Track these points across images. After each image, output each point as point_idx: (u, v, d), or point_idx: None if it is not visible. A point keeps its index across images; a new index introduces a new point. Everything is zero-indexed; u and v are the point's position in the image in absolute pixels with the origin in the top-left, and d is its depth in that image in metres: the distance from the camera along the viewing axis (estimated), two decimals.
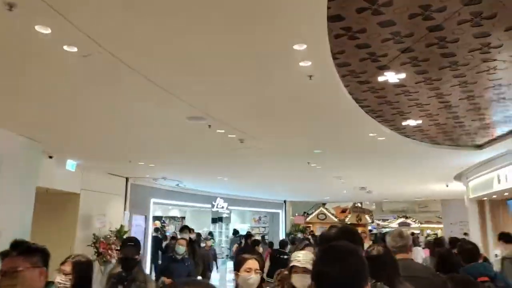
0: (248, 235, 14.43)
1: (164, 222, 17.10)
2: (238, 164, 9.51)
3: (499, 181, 8.49)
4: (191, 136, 6.47)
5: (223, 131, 5.97)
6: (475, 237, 10.80)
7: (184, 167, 10.22)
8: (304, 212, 25.91)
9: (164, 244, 13.23)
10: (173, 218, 23.00)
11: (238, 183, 13.91)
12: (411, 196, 19.49)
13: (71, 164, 8.42)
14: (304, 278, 2.69)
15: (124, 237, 9.82)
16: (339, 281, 1.47)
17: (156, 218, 20.10)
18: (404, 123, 5.84)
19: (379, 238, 15.29)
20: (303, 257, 2.82)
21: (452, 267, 3.91)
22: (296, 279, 2.80)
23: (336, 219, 26.10)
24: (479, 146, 7.41)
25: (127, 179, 11.52)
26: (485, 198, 10.47)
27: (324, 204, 25.99)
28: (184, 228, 9.19)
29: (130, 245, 3.75)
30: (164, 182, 12.66)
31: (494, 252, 9.98)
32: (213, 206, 16.84)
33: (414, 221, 27.16)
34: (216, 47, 3.21)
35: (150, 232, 13.03)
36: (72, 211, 9.21)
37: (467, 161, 8.51)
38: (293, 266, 2.84)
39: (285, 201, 21.46)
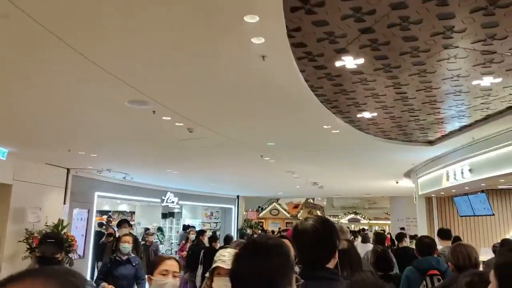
0: (201, 231, 13.98)
1: (110, 217, 16.26)
2: (187, 156, 9.06)
3: (447, 178, 8.60)
4: (135, 124, 5.96)
5: (169, 118, 5.52)
6: (422, 232, 11.00)
7: (130, 159, 9.62)
8: (259, 207, 25.81)
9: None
10: (121, 212, 22.12)
11: (189, 177, 13.43)
12: (361, 193, 19.78)
13: (0, 152, 7.62)
14: (228, 283, 2.19)
15: (63, 232, 9.12)
16: (255, 282, 1.25)
17: (103, 212, 19.27)
18: (359, 115, 5.66)
19: None
20: (229, 257, 2.27)
21: (387, 265, 4.17)
22: (217, 283, 2.27)
23: (288, 215, 26.29)
24: (431, 142, 7.42)
25: (68, 170, 10.72)
26: (433, 195, 10.66)
27: (277, 200, 26.04)
28: (123, 222, 8.46)
29: (49, 242, 3.22)
30: (110, 175, 11.94)
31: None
32: (163, 200, 16.23)
33: (363, 217, 27.83)
34: (159, 20, 2.79)
35: (93, 227, 12.26)
36: (3, 204, 8.39)
37: (418, 157, 8.56)
38: (216, 267, 2.33)
39: (238, 196, 21.15)
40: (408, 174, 11.65)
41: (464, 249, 3.11)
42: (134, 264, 5.32)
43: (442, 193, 9.72)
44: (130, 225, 7.92)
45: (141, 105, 4.98)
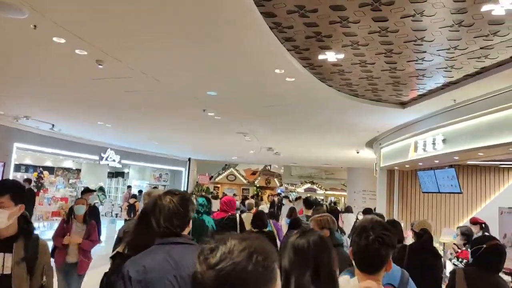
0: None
1: (41, 173, 14.45)
2: (116, 106, 7.50)
3: (415, 149, 7.55)
4: (37, 55, 4.40)
5: (62, 41, 3.99)
6: (381, 207, 10.09)
7: (49, 105, 7.94)
8: (218, 173, 24.56)
9: None
10: (67, 170, 20.40)
11: (127, 133, 11.84)
12: (319, 162, 18.85)
13: None
14: None
15: None
16: None
17: (46, 168, 17.43)
18: (321, 56, 4.30)
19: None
20: None
21: (261, 223, 4.83)
22: None
23: (245, 181, 25.26)
24: (403, 104, 6.24)
25: None
26: (396, 168, 9.68)
27: (235, 166, 24.89)
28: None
29: None
30: (31, 124, 10.19)
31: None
32: (101, 158, 14.59)
33: (319, 187, 27.28)
34: None
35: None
36: None
37: (386, 122, 7.40)
38: None
39: (189, 159, 19.72)
40: (370, 144, 10.61)
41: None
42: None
43: (406, 166, 8.72)
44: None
45: (13, 13, 3.42)
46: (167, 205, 1.89)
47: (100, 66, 4.68)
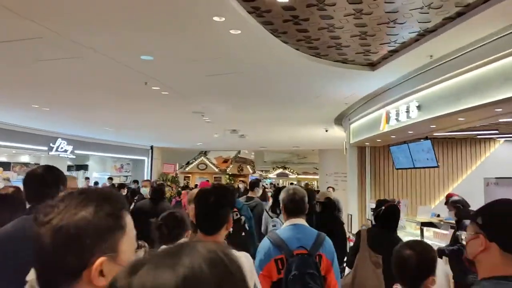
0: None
1: None
2: (43, 81, 6.38)
3: (387, 120, 6.78)
4: None
5: None
6: (351, 186, 9.35)
7: None
8: (188, 162, 23.47)
9: None
10: (25, 164, 18.97)
11: (77, 120, 10.69)
12: (289, 145, 18.08)
13: None
14: None
15: None
16: None
17: (1, 164, 16.06)
18: None
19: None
20: None
21: None
22: None
23: (217, 170, 24.29)
24: (373, 66, 5.40)
25: None
26: (367, 144, 8.92)
27: (206, 154, 23.90)
28: None
29: None
30: None
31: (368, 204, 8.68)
32: (51, 148, 13.32)
33: (292, 172, 26.71)
34: None
35: None
36: None
37: (354, 90, 6.56)
38: None
39: (151, 147, 18.55)
40: (339, 121, 9.83)
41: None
42: None
43: (378, 140, 7.96)
44: None
45: None
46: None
47: None
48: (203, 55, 4.85)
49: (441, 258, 4.37)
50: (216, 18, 3.72)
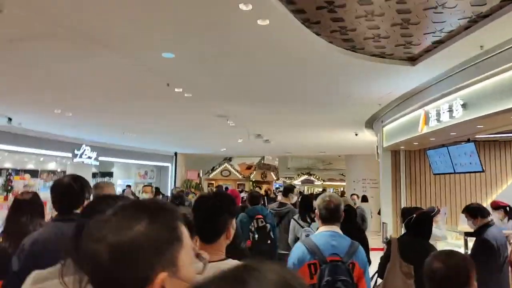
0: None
1: (9, 175, 13.11)
2: (59, 84, 6.17)
3: (426, 121, 6.26)
4: None
5: None
6: (385, 193, 8.80)
7: None
8: (213, 167, 23.29)
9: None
10: (52, 172, 19.18)
11: (101, 126, 10.57)
12: (315, 150, 17.58)
13: None
14: None
15: None
16: None
17: (29, 171, 16.22)
18: None
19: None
20: None
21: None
22: None
23: (240, 176, 23.98)
24: (413, 60, 4.92)
25: None
26: (402, 147, 8.37)
27: (229, 160, 23.66)
28: None
29: None
30: None
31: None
32: (75, 155, 13.26)
33: (317, 179, 26.14)
34: None
35: None
36: None
37: (390, 87, 6.07)
38: None
39: (175, 154, 18.36)
40: (370, 124, 9.32)
41: None
42: None
43: (415, 143, 7.40)
44: None
45: None
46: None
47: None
48: (229, 51, 4.49)
49: None
50: (242, 6, 3.35)
